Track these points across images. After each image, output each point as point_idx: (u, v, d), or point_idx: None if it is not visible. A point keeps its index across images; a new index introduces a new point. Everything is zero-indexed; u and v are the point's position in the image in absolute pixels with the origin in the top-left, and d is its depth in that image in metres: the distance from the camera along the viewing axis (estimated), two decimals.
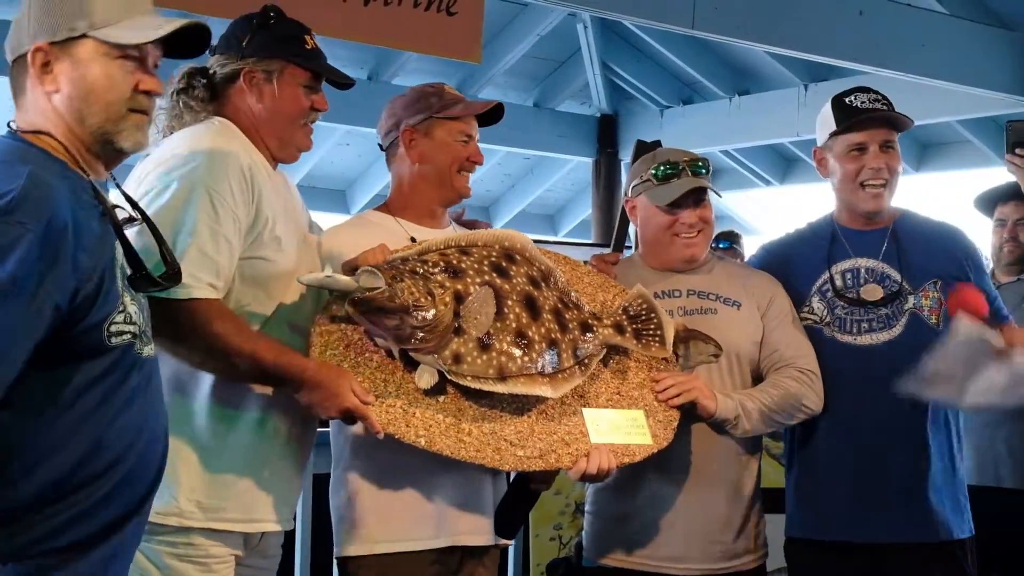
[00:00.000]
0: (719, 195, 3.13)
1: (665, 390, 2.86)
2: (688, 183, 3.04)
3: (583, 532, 3.14)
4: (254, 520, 2.60)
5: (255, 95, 2.66)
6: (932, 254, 3.19)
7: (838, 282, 3.17)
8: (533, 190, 11.66)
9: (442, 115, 2.88)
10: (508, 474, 2.85)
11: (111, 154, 2.12)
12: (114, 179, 2.22)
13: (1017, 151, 3.40)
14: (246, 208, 2.53)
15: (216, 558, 2.53)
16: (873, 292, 3.14)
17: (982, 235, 4.45)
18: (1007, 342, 2.88)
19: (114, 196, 2.21)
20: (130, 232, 2.15)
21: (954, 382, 2.90)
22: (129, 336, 2.04)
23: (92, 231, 1.98)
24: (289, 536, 2.92)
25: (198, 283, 2.42)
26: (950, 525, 3.12)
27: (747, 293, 3.11)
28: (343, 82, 2.78)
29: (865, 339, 3.12)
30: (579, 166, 10.88)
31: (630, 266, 3.17)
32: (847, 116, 3.14)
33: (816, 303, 3.17)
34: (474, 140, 2.93)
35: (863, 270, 3.17)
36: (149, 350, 2.15)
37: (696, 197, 3.06)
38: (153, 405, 2.18)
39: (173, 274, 2.19)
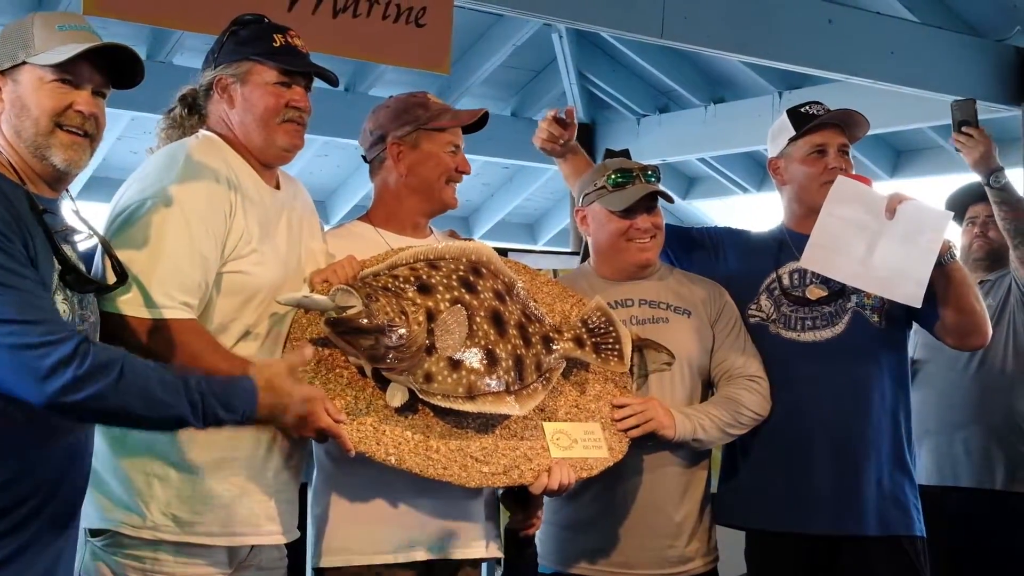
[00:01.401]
0: (671, 200, 3.19)
1: (623, 419, 2.90)
2: (642, 189, 3.10)
3: (537, 540, 3.14)
4: (236, 533, 2.58)
5: (228, 101, 2.67)
6: None
7: (785, 281, 3.26)
8: (512, 199, 11.67)
9: (430, 126, 2.90)
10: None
11: (51, 170, 2.25)
12: (69, 194, 2.36)
13: (963, 129, 3.78)
14: (223, 222, 2.53)
15: None
16: (816, 291, 3.23)
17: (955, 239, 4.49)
18: (891, 197, 3.12)
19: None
20: (87, 243, 2.35)
21: (849, 250, 3.08)
22: None
23: (15, 231, 2.10)
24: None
25: (171, 302, 2.43)
26: (890, 520, 3.18)
27: (697, 302, 3.18)
28: (313, 72, 2.73)
29: (808, 335, 3.21)
30: (557, 175, 10.79)
31: (582, 276, 3.22)
32: (806, 122, 3.25)
33: (764, 300, 3.26)
34: (461, 150, 2.96)
35: (809, 272, 3.24)
36: None
37: (649, 204, 3.12)
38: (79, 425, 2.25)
39: (118, 281, 2.32)
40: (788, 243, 3.30)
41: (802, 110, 3.30)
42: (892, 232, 3.08)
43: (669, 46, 6.79)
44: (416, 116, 2.90)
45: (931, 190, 9.79)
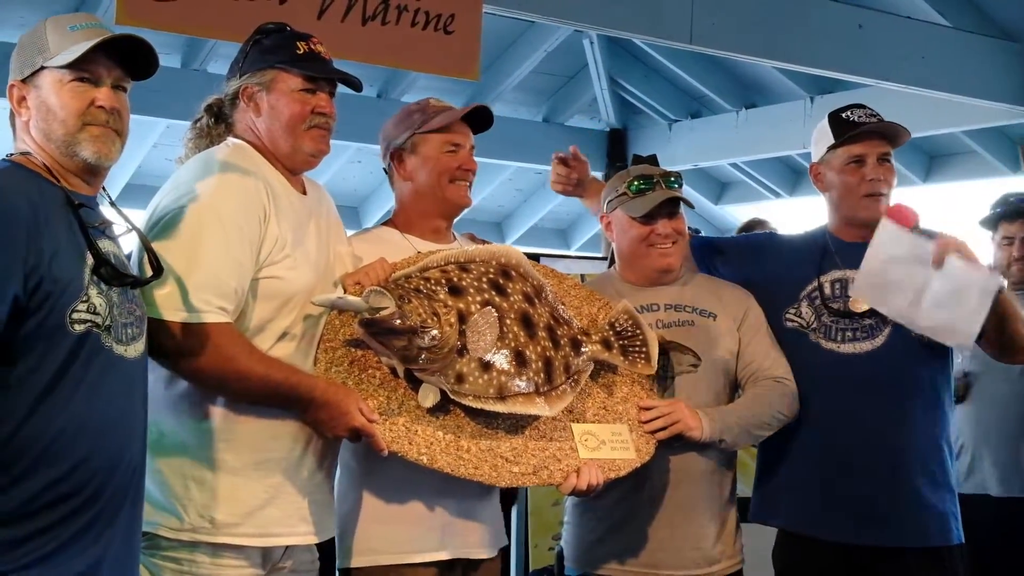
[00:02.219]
0: (691, 206, 3.20)
1: (651, 421, 2.92)
2: (662, 195, 3.11)
3: (563, 542, 3.17)
4: (271, 534, 2.61)
5: (254, 109, 2.71)
6: None
7: (827, 291, 3.24)
8: (545, 205, 11.68)
9: (423, 129, 2.94)
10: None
11: (83, 166, 2.31)
12: (106, 192, 2.43)
13: None
14: (257, 228, 2.57)
15: None
16: (860, 303, 3.19)
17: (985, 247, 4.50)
18: (938, 247, 2.99)
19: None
20: (126, 240, 2.42)
21: (899, 292, 3.02)
22: (91, 324, 2.20)
23: (53, 228, 2.18)
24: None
25: (208, 307, 2.48)
26: (930, 531, 3.17)
27: (722, 305, 3.19)
28: (337, 79, 2.76)
29: (848, 347, 3.20)
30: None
31: (608, 281, 3.24)
32: (846, 130, 3.21)
33: (804, 308, 3.24)
34: (464, 148, 2.97)
35: (851, 281, 3.21)
36: (127, 350, 2.28)
37: (670, 209, 3.13)
38: (131, 407, 2.32)
39: (154, 275, 2.38)
40: (831, 250, 3.28)
41: (843, 115, 3.24)
42: (941, 285, 3.00)
43: (699, 52, 6.79)
44: (412, 122, 2.95)
45: (963, 194, 9.78)
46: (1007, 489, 4.22)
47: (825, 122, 3.29)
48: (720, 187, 10.85)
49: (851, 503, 3.15)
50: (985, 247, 4.49)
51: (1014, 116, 7.43)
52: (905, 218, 3.10)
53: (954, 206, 10.13)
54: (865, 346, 3.19)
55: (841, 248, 3.27)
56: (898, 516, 3.15)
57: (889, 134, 3.24)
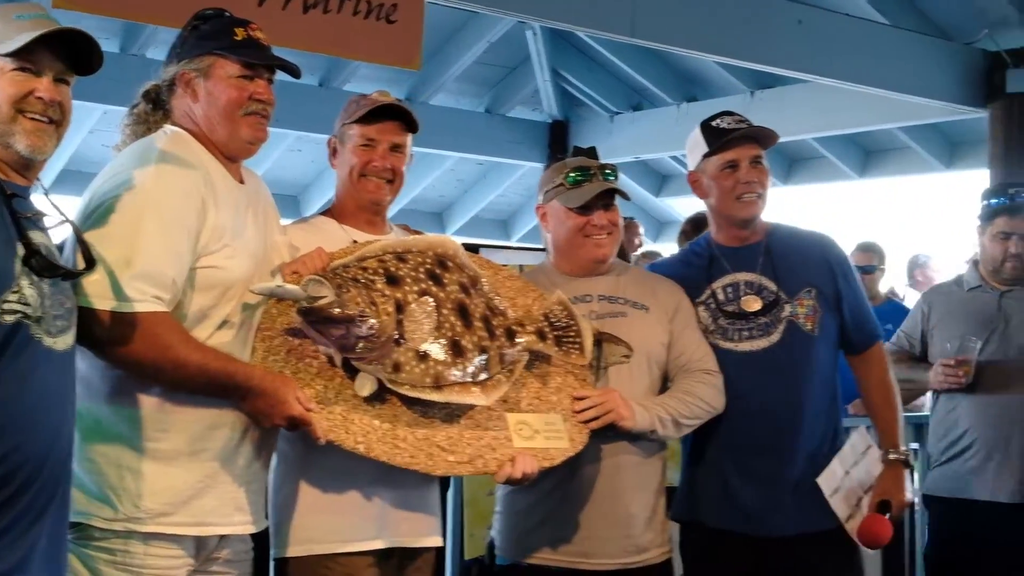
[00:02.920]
0: (627, 198, 3.24)
1: (584, 411, 2.95)
2: (598, 186, 3.14)
3: (495, 531, 3.19)
4: (205, 524, 2.59)
5: (191, 96, 2.68)
6: (804, 264, 3.35)
7: (720, 296, 3.32)
8: (486, 195, 11.71)
9: (350, 121, 2.94)
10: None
11: (16, 157, 2.29)
12: (40, 184, 2.40)
13: None
14: (196, 218, 2.54)
15: (153, 568, 2.53)
16: (752, 303, 3.29)
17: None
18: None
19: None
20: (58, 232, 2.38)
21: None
22: (21, 315, 2.17)
23: None
24: None
25: (143, 296, 2.45)
26: (827, 513, 3.26)
27: (655, 298, 3.22)
28: (275, 65, 2.73)
29: (745, 345, 3.28)
30: (531, 171, 10.96)
31: (542, 272, 3.26)
32: (717, 137, 3.28)
33: (702, 313, 3.30)
34: (381, 144, 2.94)
35: (742, 284, 3.31)
36: (56, 342, 2.25)
37: (606, 201, 3.16)
38: (60, 400, 2.29)
39: (87, 267, 2.34)
40: (718, 257, 3.36)
41: (714, 123, 3.30)
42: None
43: (641, 45, 6.84)
44: (348, 112, 2.96)
45: (898, 189, 9.93)
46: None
47: (697, 131, 3.34)
48: (661, 179, 10.94)
49: (754, 493, 3.24)
50: (970, 238, 4.40)
51: (949, 113, 7.56)
52: (876, 538, 3.28)
53: (889, 200, 10.33)
54: (761, 343, 3.27)
55: (726, 253, 3.35)
56: (798, 502, 3.24)
57: (759, 137, 3.31)
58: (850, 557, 3.33)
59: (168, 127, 2.69)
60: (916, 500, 4.21)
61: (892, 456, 3.34)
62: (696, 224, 5.41)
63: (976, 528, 3.99)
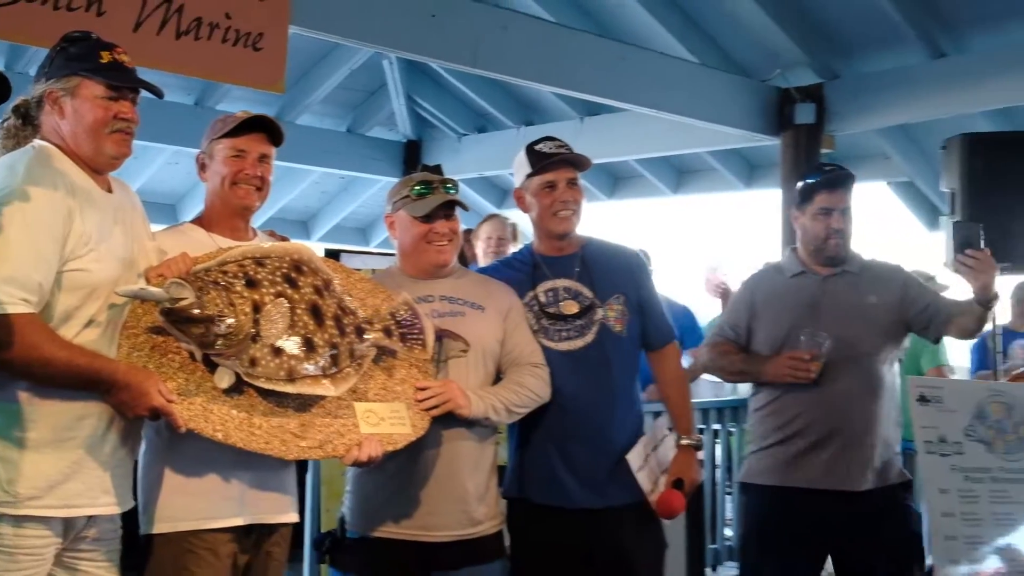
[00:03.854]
0: (467, 209, 3.23)
1: (426, 400, 2.92)
2: (440, 198, 3.13)
3: (345, 508, 3.15)
4: (72, 506, 2.51)
5: (58, 113, 2.59)
6: (614, 273, 3.39)
7: (542, 299, 3.33)
8: (347, 206, 11.62)
9: (217, 136, 2.88)
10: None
11: None
12: None
13: (967, 252, 3.50)
14: (62, 226, 2.46)
15: (23, 549, 2.44)
16: (570, 307, 3.32)
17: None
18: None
19: None
20: None
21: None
22: None
23: None
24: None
25: (11, 299, 2.37)
26: (634, 488, 3.31)
27: (490, 299, 3.23)
28: (139, 87, 2.65)
29: (564, 345, 3.30)
30: (388, 185, 10.77)
31: (389, 275, 3.24)
32: (539, 160, 3.31)
33: (527, 314, 3.31)
34: (251, 155, 2.88)
35: (561, 289, 3.34)
36: None
37: (447, 211, 3.15)
38: None
39: None
40: (540, 264, 3.37)
41: (537, 148, 3.34)
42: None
43: (483, 75, 6.84)
44: (215, 129, 2.90)
45: (705, 204, 10.16)
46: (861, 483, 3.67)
47: (523, 154, 3.37)
48: (502, 193, 10.96)
49: (574, 473, 3.26)
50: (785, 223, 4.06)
51: (748, 140, 7.75)
52: (671, 510, 3.33)
53: (697, 214, 10.57)
54: (578, 343, 3.29)
55: (547, 261, 3.37)
56: (611, 480, 3.28)
57: (575, 162, 3.33)
58: (652, 526, 3.38)
59: (37, 141, 2.60)
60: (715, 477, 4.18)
61: (685, 441, 3.40)
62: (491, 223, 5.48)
63: (795, 513, 3.64)
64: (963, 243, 3.44)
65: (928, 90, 6.93)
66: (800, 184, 3.81)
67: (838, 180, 3.70)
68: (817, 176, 3.76)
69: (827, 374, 3.56)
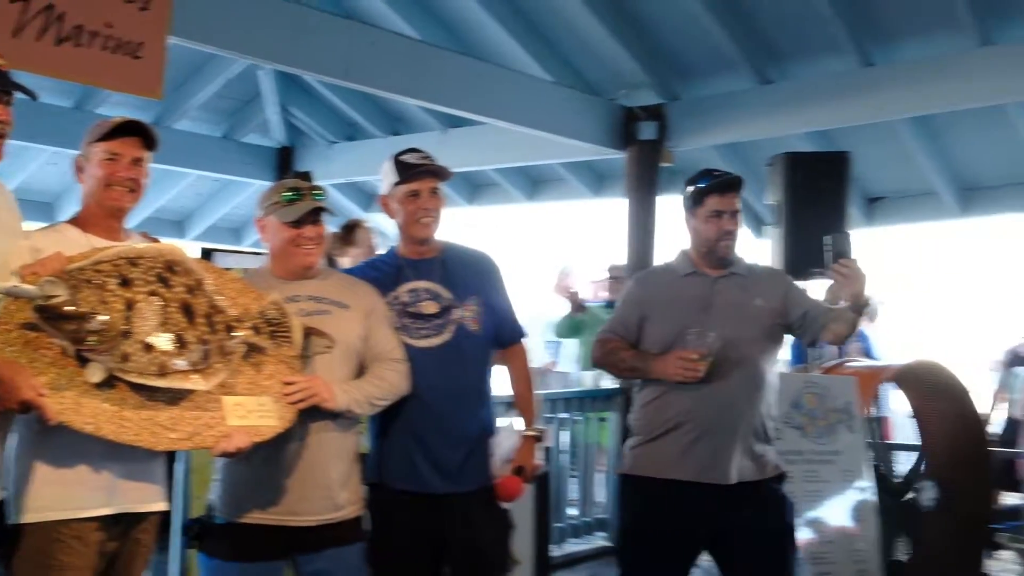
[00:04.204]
0: (334, 214, 3.21)
1: (292, 394, 2.89)
2: (309, 204, 3.10)
3: (214, 496, 3.09)
4: None
5: None
6: (471, 276, 3.41)
7: (404, 299, 3.33)
8: (221, 208, 11.38)
9: (93, 140, 2.81)
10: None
11: None
12: None
13: (840, 261, 3.40)
14: None
15: None
16: (430, 307, 3.33)
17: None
18: None
19: None
20: None
21: None
22: None
23: None
24: None
25: None
26: (485, 475, 3.36)
27: (355, 298, 3.21)
28: (14, 89, 2.56)
29: (423, 342, 3.30)
30: (261, 188, 10.54)
31: (259, 276, 3.19)
32: (404, 171, 3.31)
33: (390, 312, 3.30)
34: (124, 158, 2.80)
35: (422, 290, 3.34)
36: None
37: (315, 217, 3.12)
38: None
39: None
40: (404, 267, 3.38)
41: (402, 158, 3.34)
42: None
43: (353, 88, 6.79)
44: (91, 134, 2.83)
45: (558, 211, 10.28)
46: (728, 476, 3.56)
47: (390, 163, 3.36)
48: (368, 198, 10.88)
49: (430, 461, 3.28)
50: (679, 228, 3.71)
51: (596, 153, 7.86)
52: (511, 494, 3.38)
53: (550, 220, 10.70)
54: (436, 340, 3.30)
55: (409, 264, 3.37)
56: (464, 467, 3.31)
57: (438, 173, 3.34)
58: (501, 508, 3.41)
59: None
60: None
61: (528, 432, 3.44)
62: (347, 228, 5.36)
63: (675, 505, 3.50)
64: (838, 253, 3.38)
65: (756, 113, 7.15)
66: (691, 188, 3.65)
67: (728, 184, 3.59)
68: (707, 180, 3.62)
69: (713, 372, 3.44)
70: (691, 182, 3.66)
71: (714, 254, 3.61)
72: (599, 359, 3.72)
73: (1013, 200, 7.93)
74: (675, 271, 3.70)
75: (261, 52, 5.81)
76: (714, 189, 3.57)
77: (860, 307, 3.44)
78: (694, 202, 3.62)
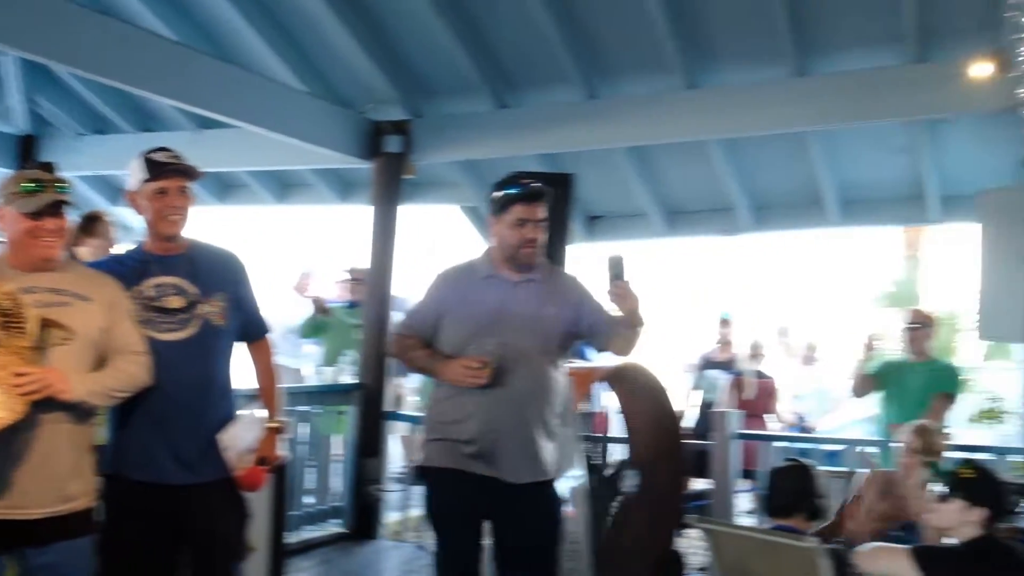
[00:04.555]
0: (77, 207, 3.05)
1: (23, 385, 2.70)
2: (51, 197, 2.93)
3: None
4: None
5: None
6: (216, 272, 3.32)
7: (150, 293, 3.21)
8: None
9: None
10: None
11: None
12: None
13: (616, 282, 3.37)
14: None
15: None
16: (174, 302, 3.22)
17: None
18: None
19: None
20: None
21: None
22: None
23: None
24: None
25: None
26: (221, 467, 3.24)
27: (97, 291, 3.05)
28: None
29: (167, 336, 3.19)
30: (1, 176, 9.85)
31: None
32: (154, 169, 3.19)
33: (134, 306, 3.17)
34: None
35: (168, 285, 3.23)
36: None
37: (56, 210, 2.94)
38: None
39: None
40: (150, 262, 3.25)
41: (151, 156, 3.22)
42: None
43: (105, 82, 6.38)
44: None
45: (304, 214, 10.09)
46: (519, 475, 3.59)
47: (140, 160, 3.24)
48: (115, 191, 10.28)
49: (170, 452, 3.16)
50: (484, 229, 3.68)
51: (345, 162, 7.78)
52: (253, 484, 3.32)
53: (298, 223, 10.53)
54: (180, 334, 3.20)
55: (156, 260, 3.26)
56: (203, 458, 3.20)
57: (187, 172, 3.24)
58: (238, 498, 3.33)
59: None
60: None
61: (271, 425, 3.38)
62: (89, 220, 5.06)
63: (465, 495, 3.50)
64: (614, 276, 3.39)
65: (493, 134, 7.30)
66: (498, 194, 3.54)
67: (534, 194, 3.50)
68: (515, 188, 3.51)
69: (501, 376, 3.43)
70: (499, 187, 3.55)
71: (516, 260, 3.54)
72: (396, 354, 3.76)
73: (710, 223, 8.48)
74: (476, 272, 3.60)
75: (11, 41, 5.36)
76: (521, 198, 3.49)
77: (634, 324, 3.50)
78: (500, 208, 3.52)
